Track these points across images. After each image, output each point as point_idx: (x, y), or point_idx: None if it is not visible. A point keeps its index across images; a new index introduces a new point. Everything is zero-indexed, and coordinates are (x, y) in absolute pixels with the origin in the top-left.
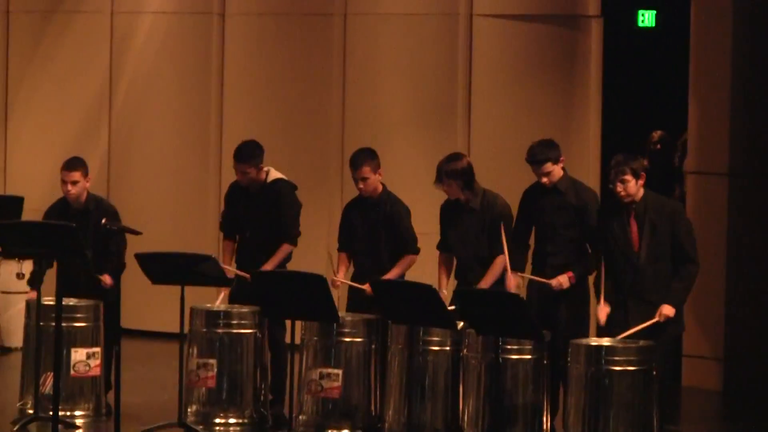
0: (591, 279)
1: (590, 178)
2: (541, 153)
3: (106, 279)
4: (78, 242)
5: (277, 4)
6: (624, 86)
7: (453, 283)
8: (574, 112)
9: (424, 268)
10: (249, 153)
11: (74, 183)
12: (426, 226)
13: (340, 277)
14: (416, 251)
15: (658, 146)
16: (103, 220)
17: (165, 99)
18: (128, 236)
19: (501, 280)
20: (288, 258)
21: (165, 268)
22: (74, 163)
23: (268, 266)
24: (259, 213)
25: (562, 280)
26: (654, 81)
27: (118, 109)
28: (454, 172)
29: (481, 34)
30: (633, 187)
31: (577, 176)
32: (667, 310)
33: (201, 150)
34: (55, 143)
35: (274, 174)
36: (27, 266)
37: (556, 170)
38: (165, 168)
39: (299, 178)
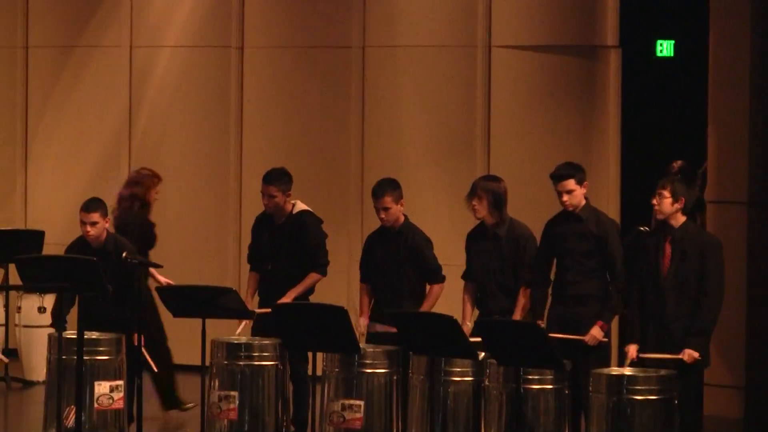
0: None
1: (610, 207)
2: (564, 168)
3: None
4: (99, 276)
5: (295, 37)
6: (643, 116)
7: (475, 313)
8: (594, 142)
9: (444, 298)
10: (276, 176)
11: (93, 224)
12: (446, 258)
13: (365, 319)
14: (442, 280)
15: (679, 176)
16: (124, 254)
17: (184, 133)
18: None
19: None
20: (311, 290)
21: (186, 301)
22: (93, 205)
23: (293, 292)
24: (282, 244)
25: (596, 333)
26: (673, 111)
27: (137, 143)
28: (488, 188)
29: (500, 65)
30: (668, 205)
31: (596, 206)
32: (689, 356)
33: (221, 183)
34: (76, 178)
35: (301, 206)
36: (48, 300)
37: (579, 192)
38: (185, 201)
39: (319, 210)
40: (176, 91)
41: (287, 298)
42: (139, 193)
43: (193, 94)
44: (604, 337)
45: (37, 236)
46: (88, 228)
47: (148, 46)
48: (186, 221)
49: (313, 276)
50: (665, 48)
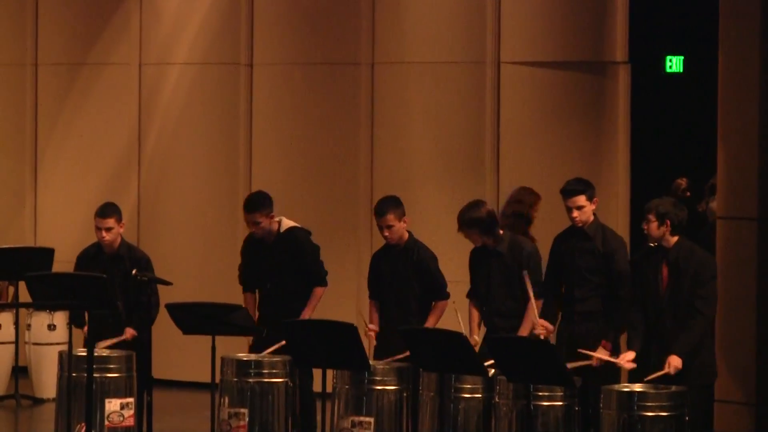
0: None
1: (619, 223)
2: (575, 184)
3: (128, 332)
4: (109, 293)
5: (304, 54)
6: (652, 132)
7: (483, 330)
8: (603, 158)
9: (450, 315)
10: (258, 202)
11: (108, 229)
12: (453, 275)
13: (374, 328)
14: (446, 297)
15: (688, 193)
16: (134, 271)
17: (193, 149)
18: (160, 287)
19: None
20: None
21: (195, 318)
22: (108, 210)
23: (308, 312)
24: (278, 263)
25: (601, 355)
26: (682, 126)
27: (146, 160)
28: (470, 221)
29: (509, 81)
30: (654, 229)
31: (606, 221)
32: (675, 361)
33: (230, 200)
34: (85, 195)
35: (287, 223)
36: (58, 318)
37: (588, 209)
38: (194, 218)
39: (328, 227)
40: (185, 109)
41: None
42: (521, 210)
43: (202, 111)
44: (613, 354)
45: (47, 254)
46: (104, 233)
47: (157, 64)
48: (195, 238)
49: (317, 291)
50: (674, 64)
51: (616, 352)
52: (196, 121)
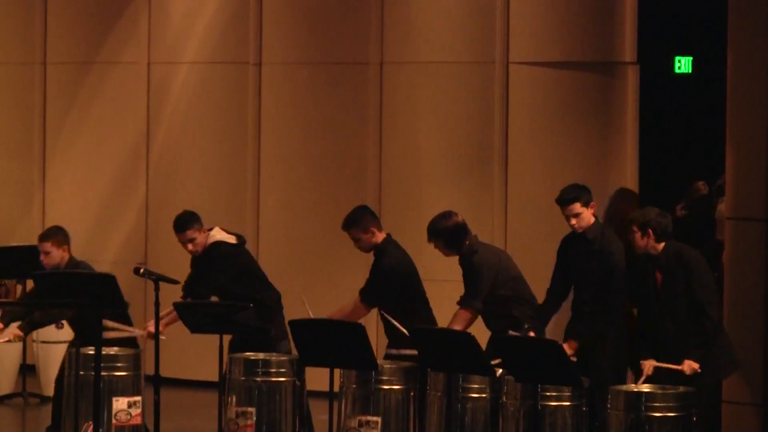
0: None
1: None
2: (569, 192)
3: (148, 330)
4: (117, 291)
5: (313, 53)
6: (661, 132)
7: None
8: (611, 158)
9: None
10: (186, 221)
11: (47, 254)
12: (458, 274)
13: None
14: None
15: (705, 192)
16: (141, 270)
17: (202, 148)
18: (167, 286)
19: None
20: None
21: (203, 317)
22: (46, 234)
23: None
24: (203, 280)
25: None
26: (691, 127)
27: (155, 159)
28: (435, 230)
29: (518, 81)
30: (638, 239)
31: (601, 224)
32: (689, 366)
33: (238, 199)
34: (93, 194)
35: (213, 237)
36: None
37: (586, 213)
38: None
39: (335, 226)
40: (194, 107)
41: None
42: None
43: (210, 110)
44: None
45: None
46: (42, 257)
47: (166, 63)
48: None
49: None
50: (683, 64)
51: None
52: (205, 120)
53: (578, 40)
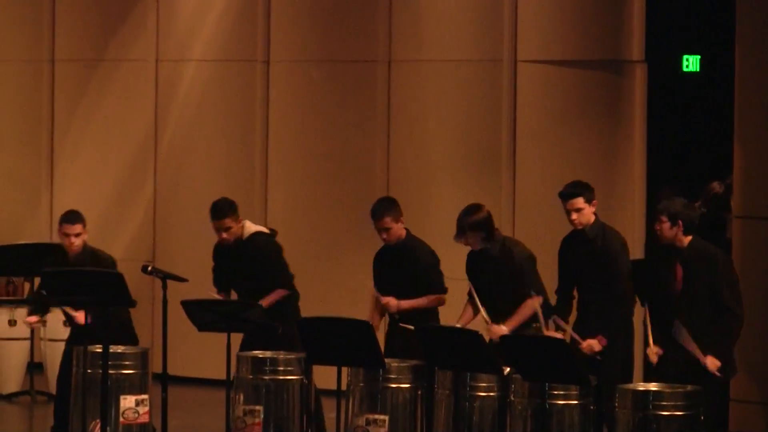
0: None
1: (635, 222)
2: (572, 187)
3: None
4: (125, 289)
5: (320, 51)
6: (668, 131)
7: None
8: (619, 157)
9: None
10: (224, 208)
11: (77, 235)
12: (458, 272)
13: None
14: (443, 291)
15: (719, 191)
16: (149, 267)
17: (210, 146)
18: (175, 284)
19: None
20: (291, 302)
21: (211, 315)
22: (75, 217)
23: (264, 302)
24: (243, 270)
25: (593, 344)
26: (698, 126)
27: (163, 156)
28: (475, 223)
29: (526, 80)
30: (667, 229)
31: (621, 221)
32: (711, 362)
33: (246, 196)
34: (101, 192)
35: (250, 228)
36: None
37: (587, 211)
38: (209, 214)
39: (343, 223)
40: (202, 105)
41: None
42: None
43: (218, 107)
44: (602, 353)
45: (63, 250)
46: (73, 239)
47: (174, 60)
48: (211, 234)
49: (279, 291)
50: (691, 63)
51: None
52: (213, 117)
53: (586, 38)
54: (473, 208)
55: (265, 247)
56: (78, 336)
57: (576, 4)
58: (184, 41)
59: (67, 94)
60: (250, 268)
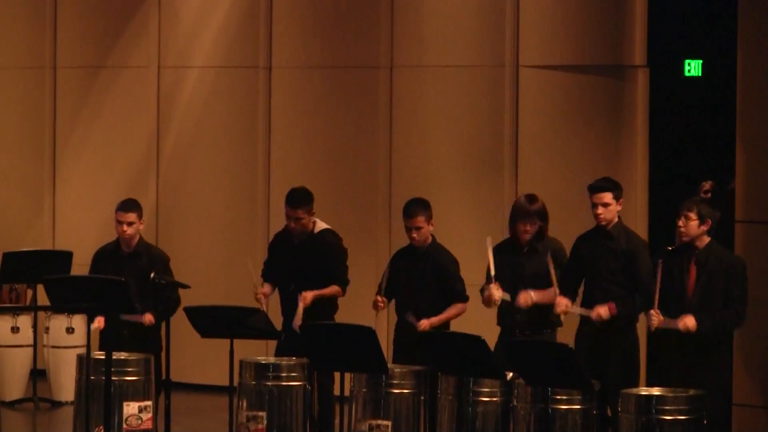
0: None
1: (638, 227)
2: (604, 181)
3: (147, 317)
4: (128, 296)
5: (323, 57)
6: (671, 136)
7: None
8: (621, 161)
9: (469, 317)
10: (302, 198)
11: (130, 224)
12: (472, 277)
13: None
14: (465, 299)
15: (709, 195)
16: (152, 275)
17: (212, 152)
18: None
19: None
20: (334, 305)
21: (214, 321)
22: (130, 205)
23: (311, 293)
24: (304, 265)
25: (602, 311)
26: (701, 130)
27: (165, 163)
28: (539, 211)
29: (528, 84)
30: (694, 227)
31: (625, 223)
32: (690, 321)
33: (248, 202)
34: (104, 198)
35: (321, 225)
36: (76, 321)
37: (614, 208)
38: (212, 221)
39: (346, 229)
40: (204, 112)
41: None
42: None
43: (220, 114)
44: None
45: (66, 257)
46: (125, 228)
47: (176, 67)
48: (213, 240)
49: (334, 287)
50: (693, 68)
51: None
52: (215, 124)
53: (588, 43)
54: (533, 198)
55: (336, 245)
56: (125, 340)
57: (578, 9)
58: (186, 48)
59: (70, 101)
60: (316, 263)
